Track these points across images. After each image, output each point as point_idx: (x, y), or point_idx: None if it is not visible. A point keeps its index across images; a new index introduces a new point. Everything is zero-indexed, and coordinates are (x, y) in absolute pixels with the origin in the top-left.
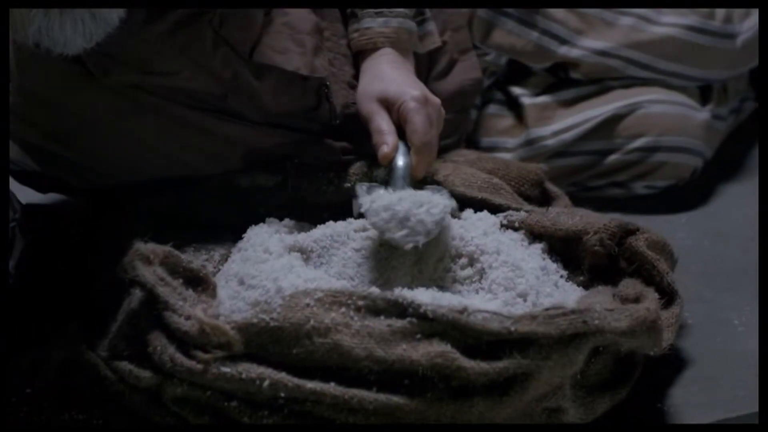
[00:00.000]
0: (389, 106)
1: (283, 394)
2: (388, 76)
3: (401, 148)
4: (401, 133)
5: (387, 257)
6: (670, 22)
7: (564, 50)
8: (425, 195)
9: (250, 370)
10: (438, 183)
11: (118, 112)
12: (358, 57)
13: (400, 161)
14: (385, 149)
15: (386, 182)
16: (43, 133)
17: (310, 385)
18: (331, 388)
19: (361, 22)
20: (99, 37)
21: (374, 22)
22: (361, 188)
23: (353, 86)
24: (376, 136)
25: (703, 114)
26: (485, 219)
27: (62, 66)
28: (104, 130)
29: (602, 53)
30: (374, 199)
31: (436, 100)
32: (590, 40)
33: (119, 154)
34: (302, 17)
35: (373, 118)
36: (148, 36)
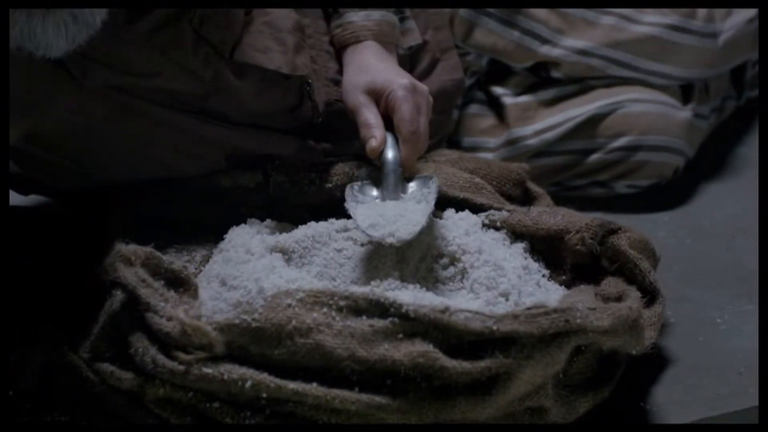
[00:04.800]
0: (377, 96)
1: (265, 395)
2: (374, 67)
3: (390, 140)
4: (390, 123)
5: (369, 257)
6: (651, 22)
7: (545, 50)
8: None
9: (232, 370)
10: None
11: (99, 114)
12: (341, 52)
13: (390, 154)
14: (373, 143)
15: (377, 179)
16: (23, 135)
17: (293, 385)
18: (313, 388)
19: (343, 17)
20: (81, 39)
21: (356, 16)
22: (351, 192)
23: (336, 82)
24: (363, 130)
25: (684, 113)
26: (467, 218)
27: (43, 68)
28: (85, 132)
29: (583, 52)
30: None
31: (424, 88)
32: (571, 39)
33: (100, 157)
34: (283, 16)
35: (360, 111)
36: (130, 37)
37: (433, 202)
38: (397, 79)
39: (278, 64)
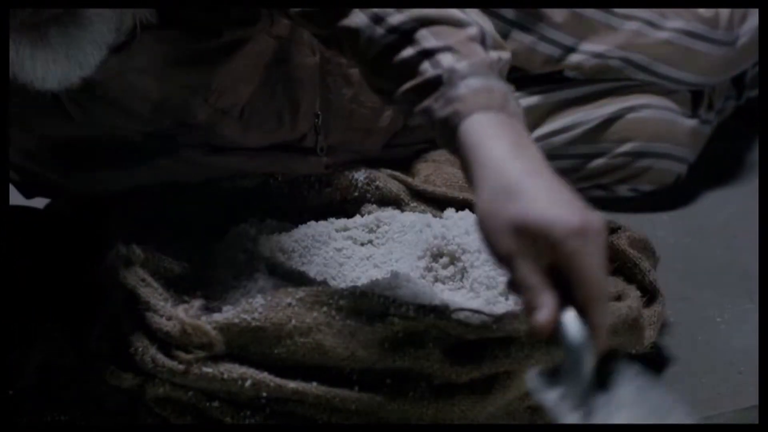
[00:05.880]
0: (532, 239)
1: (265, 394)
2: (522, 187)
3: (569, 311)
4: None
5: (368, 256)
6: (674, 27)
7: (566, 57)
8: None
9: (232, 370)
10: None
11: (96, 139)
12: (451, 141)
13: (573, 333)
14: (542, 318)
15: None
16: (22, 153)
17: (292, 384)
18: (313, 387)
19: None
20: (74, 79)
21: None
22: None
23: (350, 113)
24: (525, 295)
25: (690, 121)
26: (467, 218)
27: (42, 98)
28: (83, 152)
29: (601, 56)
30: None
31: (598, 223)
32: (592, 44)
33: (100, 174)
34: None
35: (516, 265)
36: (141, 104)
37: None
38: (562, 216)
39: (288, 128)
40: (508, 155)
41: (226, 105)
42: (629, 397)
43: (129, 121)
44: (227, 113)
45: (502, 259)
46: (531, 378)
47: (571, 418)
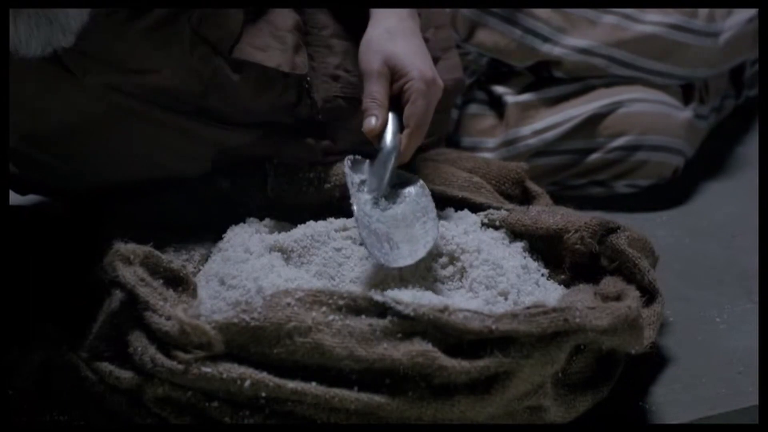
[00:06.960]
0: (394, 73)
1: (264, 394)
2: (402, 41)
3: (391, 123)
4: (395, 103)
5: (367, 256)
6: (653, 21)
7: (547, 48)
8: (415, 229)
9: (231, 370)
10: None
11: (95, 114)
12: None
13: (389, 140)
14: (372, 122)
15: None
16: (20, 136)
17: (291, 384)
18: (312, 387)
19: None
20: (58, 43)
21: None
22: (347, 164)
23: (335, 78)
24: (366, 101)
25: (684, 113)
26: (466, 218)
27: (40, 68)
28: (82, 133)
29: (585, 51)
30: (360, 208)
31: (441, 84)
32: (573, 38)
33: (96, 158)
34: (283, 14)
35: (371, 81)
36: (128, 34)
37: (437, 222)
38: (420, 67)
39: (277, 62)
40: (401, 19)
41: (210, 35)
42: (408, 199)
43: (125, 76)
44: (215, 48)
45: (368, 73)
46: (345, 161)
47: (360, 197)
